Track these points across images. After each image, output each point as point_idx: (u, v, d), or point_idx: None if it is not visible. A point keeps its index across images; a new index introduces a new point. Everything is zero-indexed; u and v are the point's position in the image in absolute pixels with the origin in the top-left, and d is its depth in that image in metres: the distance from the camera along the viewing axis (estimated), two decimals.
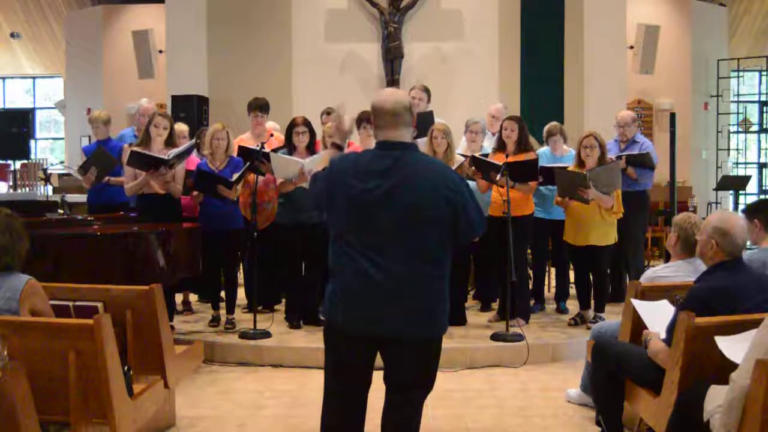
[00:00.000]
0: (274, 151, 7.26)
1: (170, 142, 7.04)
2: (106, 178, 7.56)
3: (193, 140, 7.57)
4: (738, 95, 15.65)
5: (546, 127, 8.16)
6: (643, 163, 7.91)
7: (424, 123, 7.49)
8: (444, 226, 3.53)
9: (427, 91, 8.11)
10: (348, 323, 3.56)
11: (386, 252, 3.46)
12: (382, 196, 3.47)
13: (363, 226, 3.50)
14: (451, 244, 3.61)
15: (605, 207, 6.97)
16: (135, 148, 6.83)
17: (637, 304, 4.70)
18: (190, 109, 11.57)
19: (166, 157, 6.81)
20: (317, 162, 6.72)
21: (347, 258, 3.53)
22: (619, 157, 7.71)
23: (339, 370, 3.67)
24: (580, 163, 7.12)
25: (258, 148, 7.13)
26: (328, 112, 8.29)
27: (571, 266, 7.82)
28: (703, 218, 4.64)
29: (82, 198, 9.46)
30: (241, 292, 7.73)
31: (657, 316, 4.52)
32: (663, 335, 4.24)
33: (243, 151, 7.34)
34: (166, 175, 6.85)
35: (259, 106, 7.93)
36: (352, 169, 3.59)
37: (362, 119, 7.51)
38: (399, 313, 3.48)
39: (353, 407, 3.68)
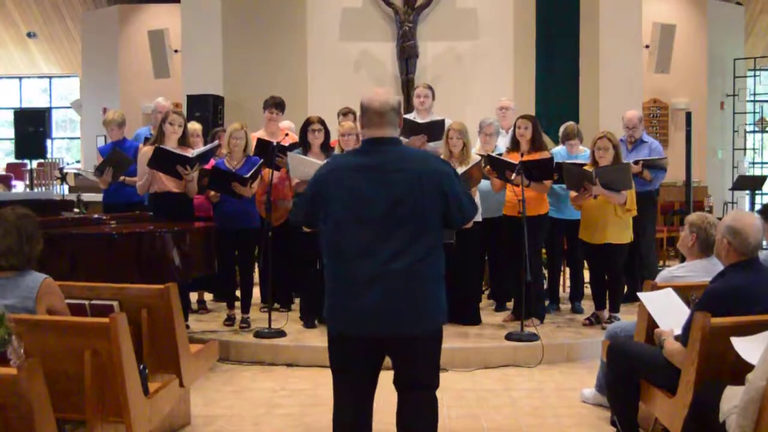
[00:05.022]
0: (289, 148, 7.26)
1: (183, 140, 7.05)
2: (122, 177, 7.58)
3: (217, 142, 7.58)
4: (754, 94, 15.59)
5: (562, 129, 8.13)
6: (659, 166, 7.89)
7: (435, 131, 7.55)
8: (435, 215, 3.57)
9: (431, 88, 8.16)
10: (347, 327, 3.61)
11: (380, 248, 3.49)
12: (371, 190, 3.51)
13: (357, 223, 3.52)
14: (441, 233, 3.66)
15: (617, 203, 6.94)
16: (162, 146, 6.81)
17: (644, 297, 4.70)
18: (206, 109, 11.57)
19: (189, 155, 6.83)
20: None
21: (341, 261, 3.58)
22: (636, 162, 7.69)
23: (344, 374, 3.73)
24: (594, 163, 7.10)
25: (276, 143, 7.18)
26: (345, 113, 8.29)
27: (586, 266, 7.79)
28: (719, 218, 4.62)
29: (97, 197, 9.49)
30: (256, 291, 7.75)
31: (664, 310, 4.52)
32: (676, 331, 4.24)
33: (261, 143, 7.35)
34: (188, 176, 6.86)
35: (275, 104, 7.98)
36: (342, 167, 3.66)
37: None
38: (396, 311, 3.51)
39: (361, 410, 3.73)
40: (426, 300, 3.58)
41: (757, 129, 15.80)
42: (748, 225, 4.15)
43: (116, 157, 7.58)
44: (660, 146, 8.19)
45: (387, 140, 3.64)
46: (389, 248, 3.49)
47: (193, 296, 7.91)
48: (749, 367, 3.38)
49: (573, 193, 7.19)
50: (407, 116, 8.26)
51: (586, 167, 7.13)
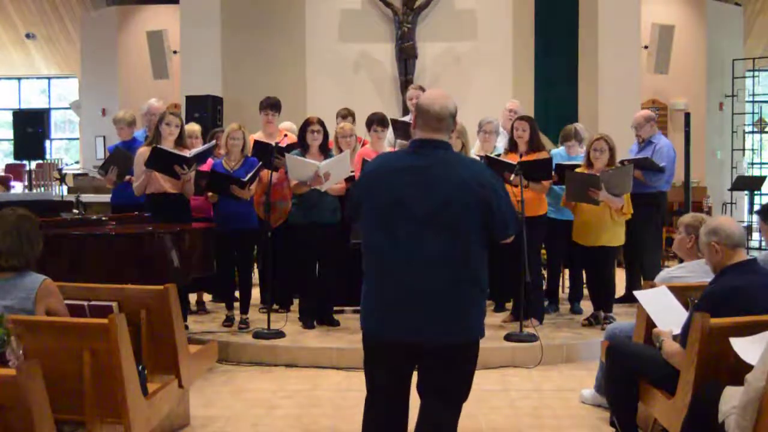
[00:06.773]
0: (287, 149, 7.26)
1: (180, 141, 7.05)
2: (127, 177, 7.58)
3: (214, 141, 7.58)
4: (753, 95, 15.58)
5: (562, 130, 8.13)
6: (648, 166, 7.85)
7: (405, 131, 7.52)
8: (475, 224, 3.45)
9: (422, 89, 8.13)
10: (377, 331, 3.52)
11: (417, 252, 3.39)
12: (414, 191, 3.41)
13: (395, 224, 3.43)
14: (484, 244, 3.54)
15: (615, 208, 6.96)
16: (160, 146, 6.80)
17: (640, 295, 4.71)
18: (205, 110, 11.59)
19: (188, 155, 6.83)
20: (332, 165, 6.80)
21: (377, 264, 3.51)
22: (627, 161, 7.67)
23: (375, 377, 3.63)
24: (589, 164, 7.12)
25: (274, 144, 7.18)
26: (344, 116, 8.29)
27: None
28: None
29: (97, 198, 9.51)
30: (255, 292, 7.74)
31: (661, 309, 4.53)
32: (675, 330, 4.25)
33: (259, 145, 7.35)
34: (186, 176, 6.86)
35: (270, 105, 7.93)
36: (386, 167, 3.59)
37: (372, 121, 7.52)
38: (428, 318, 3.40)
39: (389, 415, 3.62)
40: (466, 307, 3.47)
41: (755, 129, 15.80)
42: (722, 220, 4.26)
43: (120, 156, 7.59)
44: (666, 148, 8.09)
45: (438, 142, 3.53)
46: (423, 253, 3.38)
47: (192, 297, 7.91)
48: (748, 368, 3.38)
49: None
50: (404, 118, 8.26)
51: (580, 168, 7.14)
